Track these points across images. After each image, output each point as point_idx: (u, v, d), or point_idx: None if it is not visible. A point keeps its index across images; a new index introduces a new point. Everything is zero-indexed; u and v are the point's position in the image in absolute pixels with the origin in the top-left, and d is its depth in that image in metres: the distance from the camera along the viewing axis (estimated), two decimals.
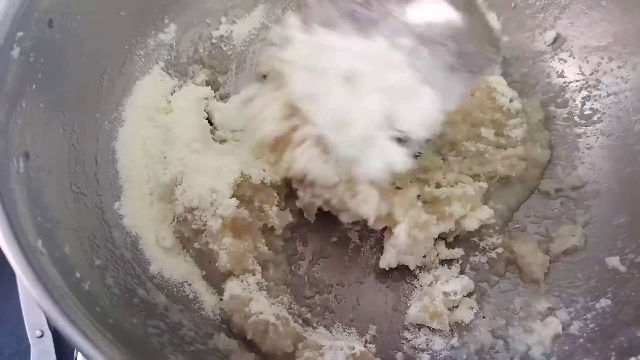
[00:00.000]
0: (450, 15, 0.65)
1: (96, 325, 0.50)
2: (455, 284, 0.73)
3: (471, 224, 0.75)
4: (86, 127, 0.73)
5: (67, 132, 0.69)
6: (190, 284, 0.72)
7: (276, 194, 0.74)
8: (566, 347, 0.66)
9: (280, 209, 0.74)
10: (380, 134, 0.64)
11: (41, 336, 0.83)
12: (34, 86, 0.63)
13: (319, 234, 0.79)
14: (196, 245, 0.71)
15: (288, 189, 0.75)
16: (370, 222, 0.70)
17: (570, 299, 0.72)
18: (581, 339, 0.66)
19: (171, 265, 0.72)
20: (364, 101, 0.64)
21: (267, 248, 0.72)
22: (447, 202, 0.73)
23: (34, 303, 0.80)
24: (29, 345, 0.83)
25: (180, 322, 0.66)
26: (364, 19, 0.66)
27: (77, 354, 0.79)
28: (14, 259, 0.47)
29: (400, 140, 0.64)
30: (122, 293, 0.63)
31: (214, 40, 0.90)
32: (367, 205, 0.68)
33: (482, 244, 0.78)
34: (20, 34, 0.61)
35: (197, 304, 0.71)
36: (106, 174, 0.74)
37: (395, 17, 0.65)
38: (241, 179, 0.72)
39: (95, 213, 0.69)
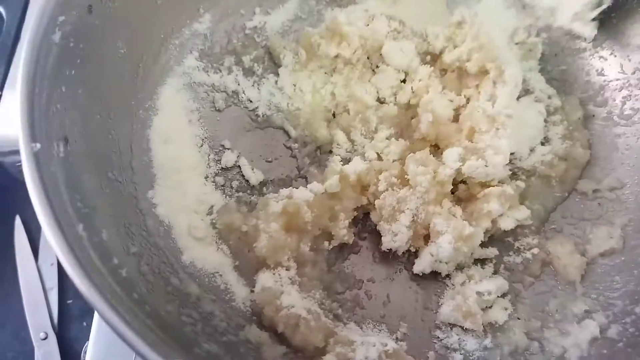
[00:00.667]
0: None
1: (135, 312, 0.50)
2: (489, 283, 0.72)
3: (507, 224, 0.73)
4: (122, 114, 0.73)
5: (104, 119, 0.69)
6: (221, 275, 0.72)
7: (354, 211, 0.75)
8: (605, 351, 0.65)
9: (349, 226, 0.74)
10: None
11: (45, 338, 0.83)
12: (73, 71, 0.63)
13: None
14: (244, 227, 0.71)
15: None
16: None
17: (607, 302, 0.70)
18: (620, 344, 0.65)
19: (203, 255, 0.72)
20: None
21: (309, 249, 0.71)
22: (486, 200, 0.71)
23: (36, 304, 0.84)
24: (32, 348, 0.83)
25: (212, 313, 0.66)
26: None
27: (84, 355, 0.78)
28: (55, 242, 0.47)
29: None
30: (156, 280, 0.62)
31: (247, 31, 0.89)
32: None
33: (517, 244, 0.76)
34: (62, 18, 0.61)
35: (228, 295, 0.70)
36: (140, 162, 0.74)
37: None
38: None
39: (130, 200, 0.69)
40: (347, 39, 0.82)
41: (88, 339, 0.73)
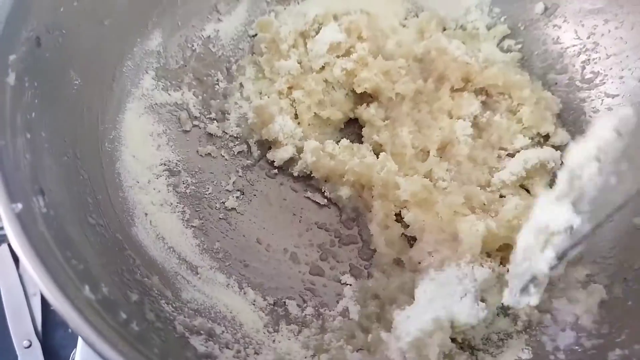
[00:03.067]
0: None
1: None
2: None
3: None
4: (88, 151, 0.67)
5: (72, 160, 0.63)
6: (226, 305, 0.68)
7: None
8: (615, 312, 0.67)
9: None
10: None
11: (29, 346, 0.79)
12: (33, 114, 0.57)
13: None
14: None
15: None
16: None
17: (606, 262, 0.72)
18: (629, 302, 0.67)
19: (201, 287, 0.68)
20: None
21: None
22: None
23: (19, 310, 0.78)
24: (16, 357, 0.78)
25: (227, 344, 0.62)
26: None
27: None
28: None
29: None
30: (165, 327, 0.58)
31: (201, 42, 0.84)
32: None
33: None
34: (12, 57, 0.55)
35: (237, 323, 0.67)
36: (117, 199, 0.68)
37: None
38: None
39: (116, 243, 0.63)
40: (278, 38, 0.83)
41: (75, 346, 0.69)
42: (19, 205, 0.46)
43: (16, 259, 0.84)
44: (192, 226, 0.73)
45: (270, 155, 0.80)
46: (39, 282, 0.42)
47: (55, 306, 0.43)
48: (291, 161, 0.79)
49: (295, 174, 0.79)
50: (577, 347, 0.65)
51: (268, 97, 0.82)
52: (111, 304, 0.50)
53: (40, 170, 0.55)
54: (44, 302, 0.82)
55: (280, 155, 0.78)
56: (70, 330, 0.79)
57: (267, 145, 0.81)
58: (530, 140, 0.80)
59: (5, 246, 0.84)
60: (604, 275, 0.71)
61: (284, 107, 0.81)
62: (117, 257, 0.62)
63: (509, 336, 0.69)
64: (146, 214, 0.70)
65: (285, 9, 0.90)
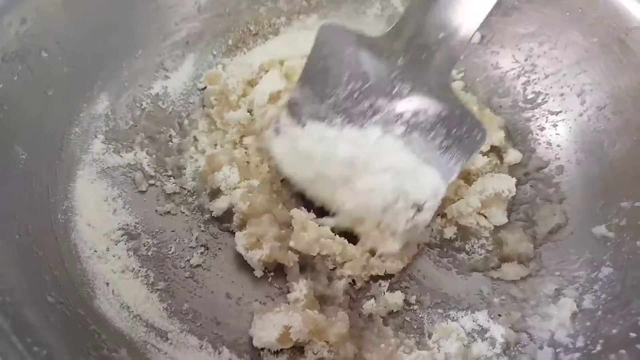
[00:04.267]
0: (436, 106, 0.70)
1: None
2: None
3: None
4: (41, 226, 0.65)
5: (24, 238, 0.61)
6: None
7: None
8: (588, 323, 0.68)
9: None
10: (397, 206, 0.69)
11: None
12: None
13: None
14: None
15: None
16: None
17: (571, 275, 0.74)
18: (599, 312, 0.68)
19: (173, 353, 0.66)
20: (374, 182, 0.69)
21: None
22: None
23: None
24: None
25: None
26: (354, 112, 0.72)
27: None
28: None
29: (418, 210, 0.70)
30: None
31: (150, 100, 0.84)
32: None
33: (467, 246, 0.79)
34: None
35: None
36: (75, 272, 0.66)
37: (385, 110, 0.71)
38: None
39: (78, 319, 0.61)
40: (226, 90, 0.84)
41: None
42: None
43: None
44: (158, 289, 0.71)
45: (209, 206, 0.78)
46: None
47: None
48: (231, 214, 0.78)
49: (234, 227, 0.77)
50: None
51: (221, 147, 0.82)
52: None
53: None
54: None
55: (217, 205, 0.77)
56: None
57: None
58: (487, 159, 0.81)
59: None
60: (572, 287, 0.73)
61: (237, 156, 0.80)
62: (81, 335, 0.59)
63: None
64: (107, 284, 0.68)
65: (232, 60, 0.90)
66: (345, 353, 0.68)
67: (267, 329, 0.67)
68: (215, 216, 0.78)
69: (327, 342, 0.69)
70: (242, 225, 0.77)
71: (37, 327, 0.51)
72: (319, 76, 0.73)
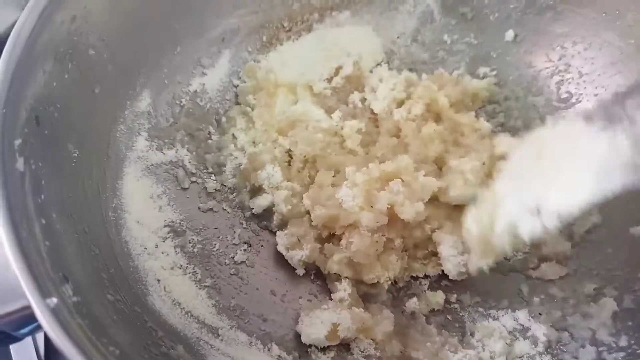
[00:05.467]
0: None
1: None
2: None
3: None
4: (95, 224, 0.65)
5: (81, 237, 0.61)
6: None
7: None
8: (630, 323, 0.69)
9: None
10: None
11: None
12: (42, 196, 0.55)
13: None
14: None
15: None
16: None
17: (611, 275, 0.75)
18: None
19: (225, 349, 0.66)
20: None
21: None
22: None
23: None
24: None
25: None
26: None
27: None
28: None
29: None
30: None
31: (189, 97, 0.84)
32: None
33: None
34: (18, 141, 0.53)
35: None
36: (128, 269, 0.66)
37: None
38: None
39: (136, 317, 0.61)
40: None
41: None
42: (54, 300, 0.44)
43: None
44: (205, 286, 0.72)
45: (250, 203, 0.79)
46: None
47: None
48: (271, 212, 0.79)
49: (274, 227, 0.79)
50: None
51: (263, 145, 0.82)
52: None
53: (59, 255, 0.53)
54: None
55: (259, 202, 0.78)
56: None
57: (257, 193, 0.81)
58: None
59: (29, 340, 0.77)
60: (612, 287, 0.74)
61: (277, 155, 0.81)
62: (141, 332, 0.60)
63: (532, 359, 0.71)
64: (159, 280, 0.69)
65: (265, 56, 0.90)
66: (391, 351, 0.69)
67: (316, 326, 0.68)
68: (255, 213, 0.79)
69: (373, 340, 0.70)
70: (282, 225, 0.78)
71: (106, 327, 0.52)
72: None
